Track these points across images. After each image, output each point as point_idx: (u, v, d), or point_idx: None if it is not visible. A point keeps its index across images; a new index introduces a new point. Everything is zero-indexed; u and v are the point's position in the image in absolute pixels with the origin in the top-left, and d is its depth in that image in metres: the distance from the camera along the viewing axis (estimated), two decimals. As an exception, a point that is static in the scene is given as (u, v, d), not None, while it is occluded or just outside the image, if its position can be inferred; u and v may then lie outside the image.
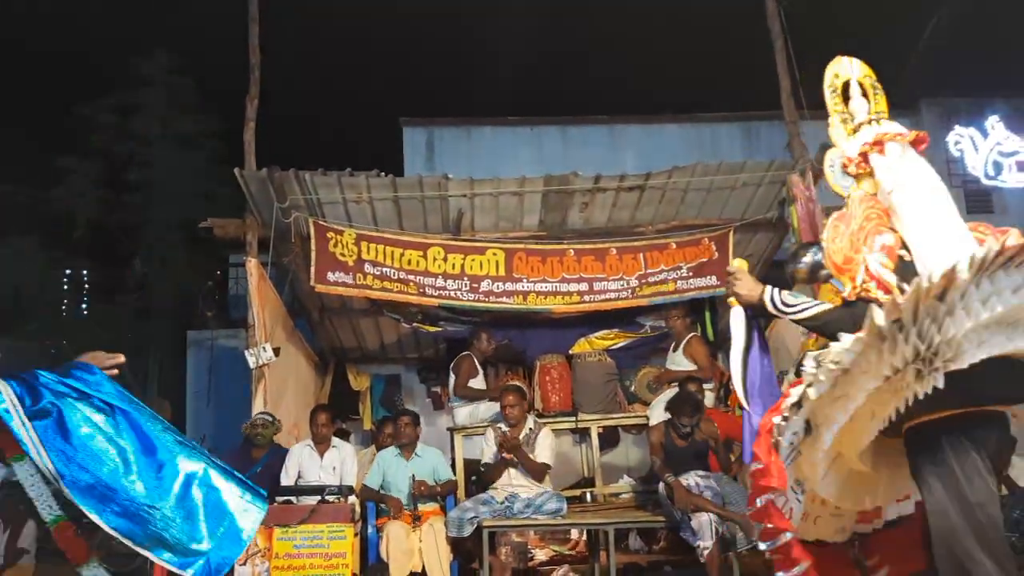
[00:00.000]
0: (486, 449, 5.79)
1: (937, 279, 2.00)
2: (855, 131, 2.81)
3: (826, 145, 6.69)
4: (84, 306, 14.35)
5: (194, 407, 11.00)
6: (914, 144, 2.74)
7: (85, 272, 14.46)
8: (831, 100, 2.94)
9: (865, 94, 2.84)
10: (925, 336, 2.06)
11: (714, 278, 7.00)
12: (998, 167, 10.38)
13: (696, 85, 13.29)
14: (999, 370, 2.16)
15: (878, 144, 2.68)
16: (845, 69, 2.93)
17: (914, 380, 2.12)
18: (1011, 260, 2.06)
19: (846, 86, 2.91)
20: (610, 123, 10.66)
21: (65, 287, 13.98)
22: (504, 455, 5.51)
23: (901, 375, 2.14)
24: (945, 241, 2.35)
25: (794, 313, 2.64)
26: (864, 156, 2.70)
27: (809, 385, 2.23)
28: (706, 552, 4.84)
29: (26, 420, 2.54)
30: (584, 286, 6.98)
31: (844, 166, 2.80)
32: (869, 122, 2.78)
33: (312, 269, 6.56)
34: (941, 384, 2.07)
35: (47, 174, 13.23)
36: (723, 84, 13.02)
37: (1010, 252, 2.03)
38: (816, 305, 2.60)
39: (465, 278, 6.83)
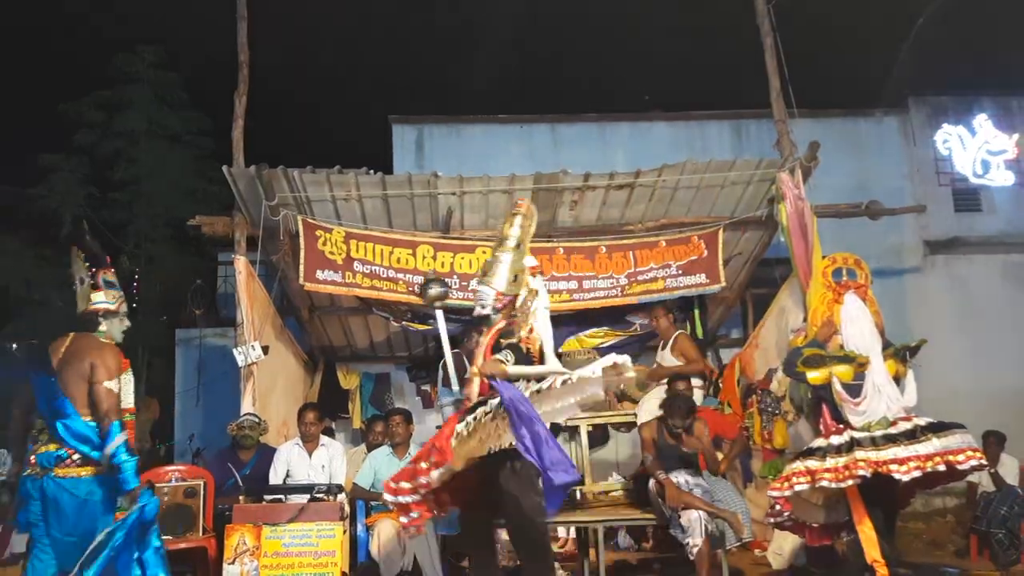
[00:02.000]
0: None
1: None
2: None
3: (815, 144, 6.72)
4: (72, 304, 14.22)
5: (182, 406, 10.93)
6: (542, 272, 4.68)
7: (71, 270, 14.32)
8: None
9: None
10: None
11: (704, 276, 7.01)
12: (986, 165, 10.43)
13: (685, 83, 13.29)
14: None
15: (535, 269, 4.36)
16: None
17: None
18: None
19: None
20: (599, 121, 10.64)
21: (52, 285, 13.86)
22: None
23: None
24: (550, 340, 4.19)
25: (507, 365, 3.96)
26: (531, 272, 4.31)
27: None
28: (695, 549, 4.85)
29: None
30: (574, 284, 6.98)
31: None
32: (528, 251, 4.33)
33: (301, 267, 6.53)
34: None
35: (33, 172, 13.14)
36: (712, 82, 13.02)
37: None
38: (507, 355, 3.98)
39: (455, 276, 6.82)
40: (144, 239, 12.47)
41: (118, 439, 3.71)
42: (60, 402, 3.76)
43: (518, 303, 4.17)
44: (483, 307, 4.17)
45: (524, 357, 4.01)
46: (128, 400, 4.03)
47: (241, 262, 6.59)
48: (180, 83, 13.00)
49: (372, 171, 6.56)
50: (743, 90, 9.12)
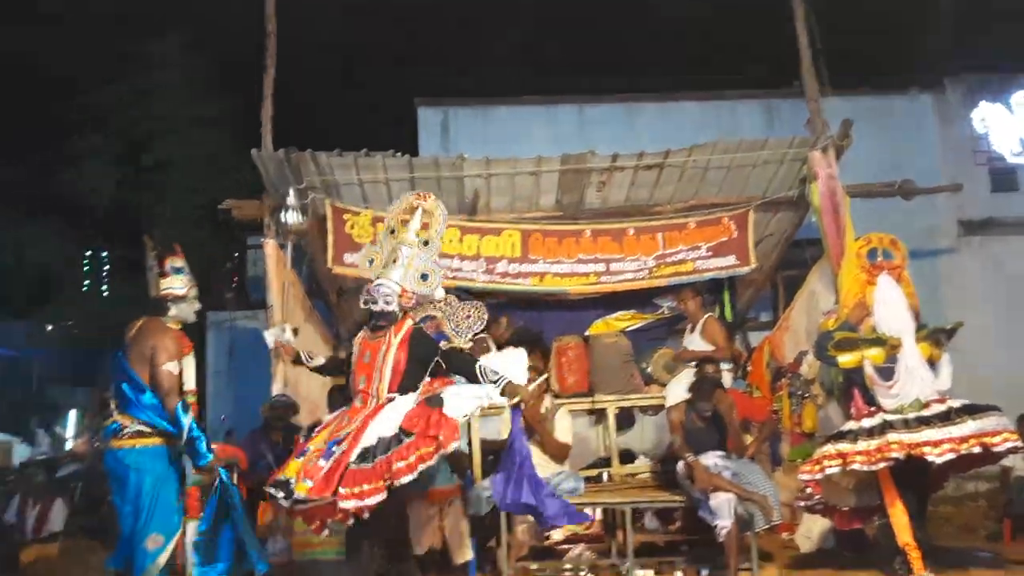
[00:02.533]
0: (503, 429, 5.79)
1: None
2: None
3: (848, 122, 6.59)
4: (104, 286, 14.48)
5: (214, 387, 11.12)
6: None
7: (105, 253, 14.59)
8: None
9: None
10: None
11: (733, 258, 6.93)
12: (1024, 144, 10.20)
13: (715, 61, 13.12)
14: None
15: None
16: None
17: None
18: None
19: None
20: (627, 101, 10.55)
21: (86, 268, 14.12)
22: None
23: None
24: None
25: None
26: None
27: None
28: (724, 532, 4.84)
29: None
30: (601, 267, 6.94)
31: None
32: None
33: (329, 251, 6.57)
34: None
35: (66, 156, 13.33)
36: (743, 60, 12.83)
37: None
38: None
39: (481, 259, 6.82)
40: (175, 222, 12.62)
41: (189, 418, 3.99)
42: (131, 376, 4.04)
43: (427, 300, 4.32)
44: (388, 303, 4.09)
45: (469, 360, 4.20)
46: (190, 382, 4.21)
47: (270, 245, 6.65)
48: (208, 68, 13.09)
49: (399, 153, 6.57)
50: (774, 69, 8.99)
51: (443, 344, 4.29)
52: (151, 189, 12.71)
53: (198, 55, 13.05)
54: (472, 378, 4.09)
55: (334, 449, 3.74)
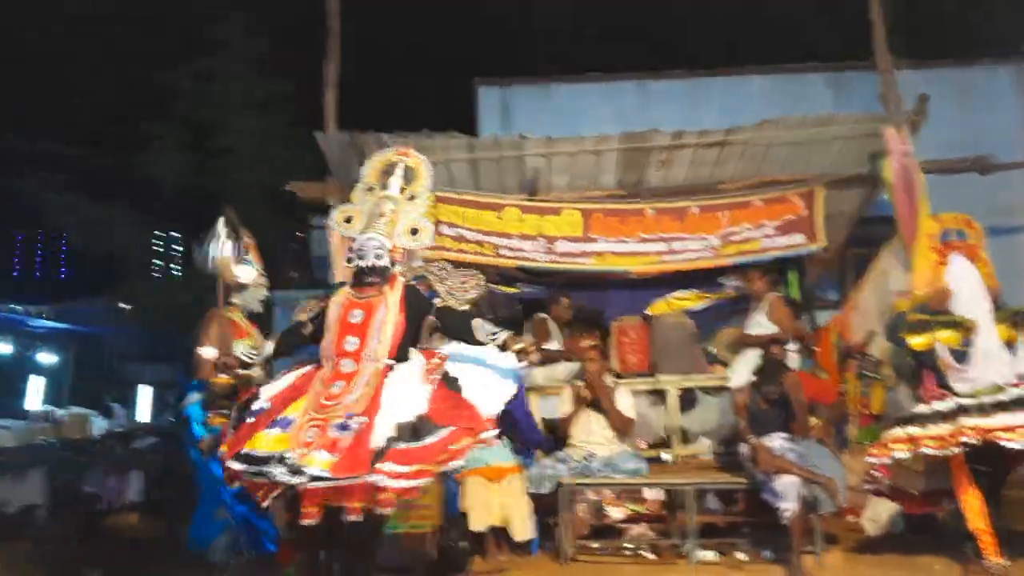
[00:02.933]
0: (563, 407, 5.81)
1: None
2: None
3: (925, 96, 6.39)
4: (172, 268, 14.94)
5: (281, 366, 11.36)
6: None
7: (172, 235, 15.04)
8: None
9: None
10: None
11: (801, 236, 6.79)
12: (1109, 116, 9.69)
13: (782, 33, 12.77)
14: None
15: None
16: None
17: None
18: None
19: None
20: (690, 77, 10.35)
21: (156, 250, 14.57)
22: (584, 392, 5.54)
23: None
24: None
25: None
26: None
27: None
28: (788, 514, 4.78)
29: None
30: (663, 246, 6.87)
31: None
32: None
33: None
34: None
35: (135, 141, 13.75)
36: (811, 31, 12.44)
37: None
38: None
39: (541, 239, 6.82)
40: (240, 204, 12.91)
41: (190, 397, 4.20)
42: (185, 364, 4.48)
43: (416, 259, 4.24)
44: (379, 258, 3.87)
45: (464, 317, 3.96)
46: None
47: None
48: (270, 50, 13.31)
49: (459, 134, 6.60)
50: (843, 41, 8.70)
51: (436, 302, 4.05)
52: (218, 172, 13.01)
53: (260, 37, 13.26)
54: (468, 337, 3.87)
55: (351, 422, 3.37)
